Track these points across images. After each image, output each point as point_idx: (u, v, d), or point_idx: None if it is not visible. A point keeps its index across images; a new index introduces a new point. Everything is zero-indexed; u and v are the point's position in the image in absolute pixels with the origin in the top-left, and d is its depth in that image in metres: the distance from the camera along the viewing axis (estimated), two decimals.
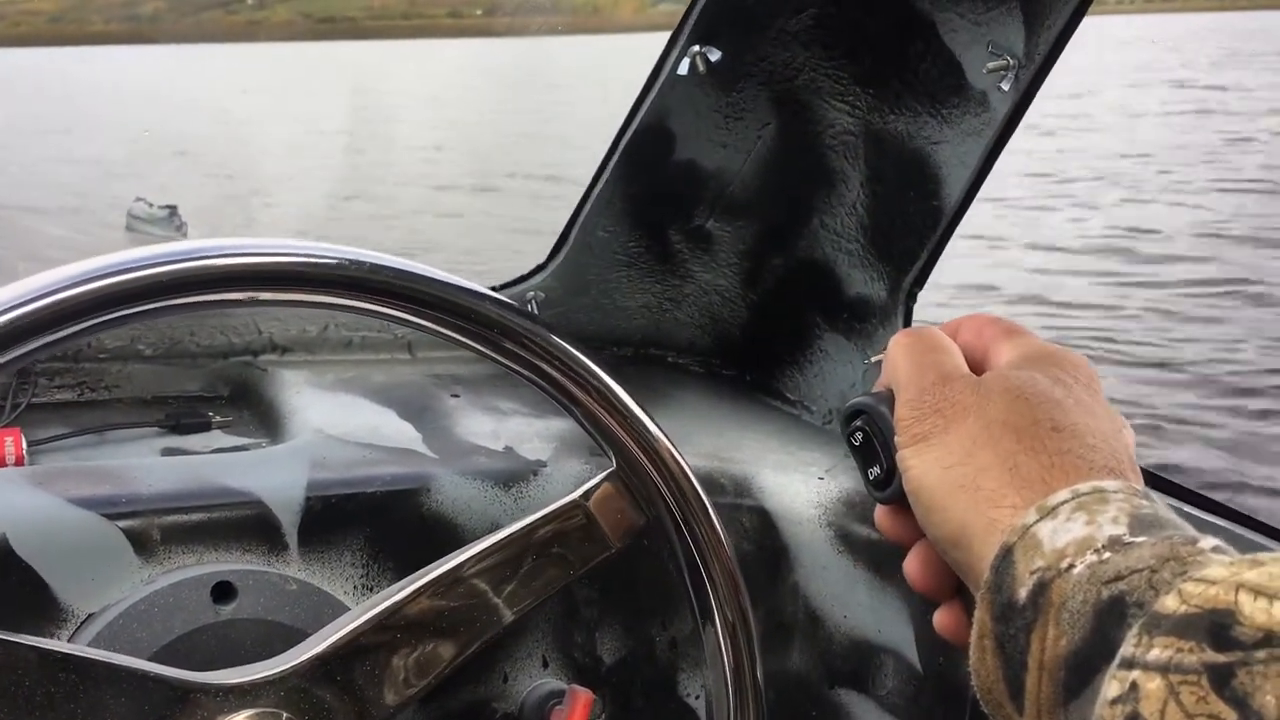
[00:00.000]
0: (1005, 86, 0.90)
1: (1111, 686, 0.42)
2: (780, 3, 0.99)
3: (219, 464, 0.96)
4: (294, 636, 0.80)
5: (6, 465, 0.94)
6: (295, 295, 0.65)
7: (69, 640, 0.82)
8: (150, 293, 0.59)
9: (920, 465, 0.57)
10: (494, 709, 0.99)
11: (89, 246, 2.81)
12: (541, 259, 1.28)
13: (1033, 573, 0.47)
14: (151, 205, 3.19)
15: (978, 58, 0.92)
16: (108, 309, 0.58)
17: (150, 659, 0.75)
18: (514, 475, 0.99)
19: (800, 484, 1.06)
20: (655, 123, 1.11)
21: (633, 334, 1.33)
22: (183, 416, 1.12)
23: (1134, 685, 0.41)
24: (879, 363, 1.13)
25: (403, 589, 0.72)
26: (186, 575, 0.83)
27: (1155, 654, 0.41)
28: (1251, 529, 0.83)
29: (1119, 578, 0.45)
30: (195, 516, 0.88)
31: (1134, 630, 0.42)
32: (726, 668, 0.78)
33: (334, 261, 0.66)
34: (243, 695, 0.70)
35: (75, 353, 1.15)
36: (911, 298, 1.07)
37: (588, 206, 1.20)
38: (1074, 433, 0.53)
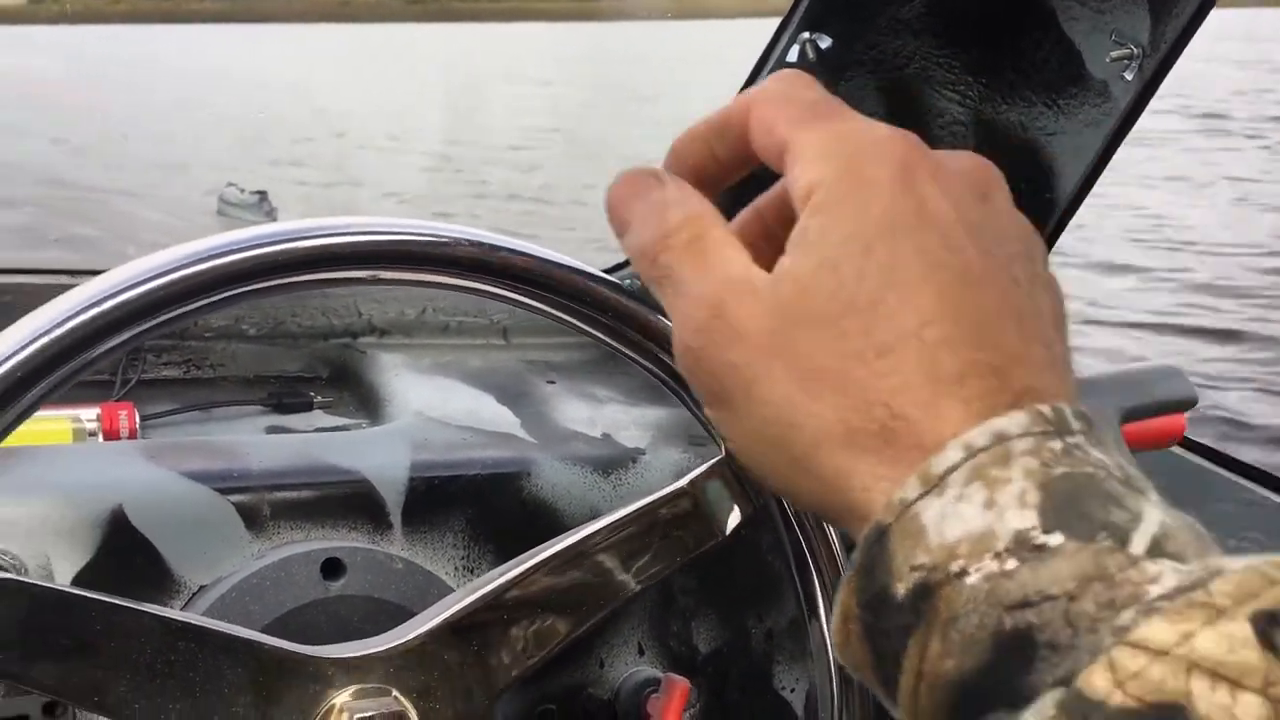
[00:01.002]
0: (1128, 76, 0.88)
1: None
2: None
3: (324, 443, 0.97)
4: (400, 614, 0.81)
5: (120, 439, 0.96)
6: (419, 275, 0.65)
7: (182, 611, 0.84)
8: (281, 268, 0.60)
9: (731, 434, 0.42)
10: (589, 694, 0.99)
11: (184, 230, 2.88)
12: None
13: (914, 569, 0.36)
14: (242, 190, 3.25)
15: (1099, 46, 0.90)
16: (241, 283, 0.59)
17: (262, 631, 0.76)
18: (613, 462, 0.99)
19: None
20: None
21: None
22: (285, 396, 1.14)
23: None
24: None
25: (514, 568, 0.72)
26: (297, 551, 0.84)
27: None
28: None
29: (1027, 603, 0.34)
30: (303, 493, 0.89)
31: (1050, 709, 0.32)
32: (832, 662, 0.77)
33: (453, 240, 0.66)
34: (352, 670, 0.71)
35: (182, 331, 1.17)
36: None
37: None
38: (913, 346, 0.38)
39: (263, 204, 3.08)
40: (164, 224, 2.89)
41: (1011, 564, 0.34)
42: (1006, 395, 0.37)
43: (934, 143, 1.11)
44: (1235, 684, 0.30)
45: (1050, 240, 1.01)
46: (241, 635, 0.69)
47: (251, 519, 0.87)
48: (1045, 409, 0.37)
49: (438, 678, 0.73)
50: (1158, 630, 0.31)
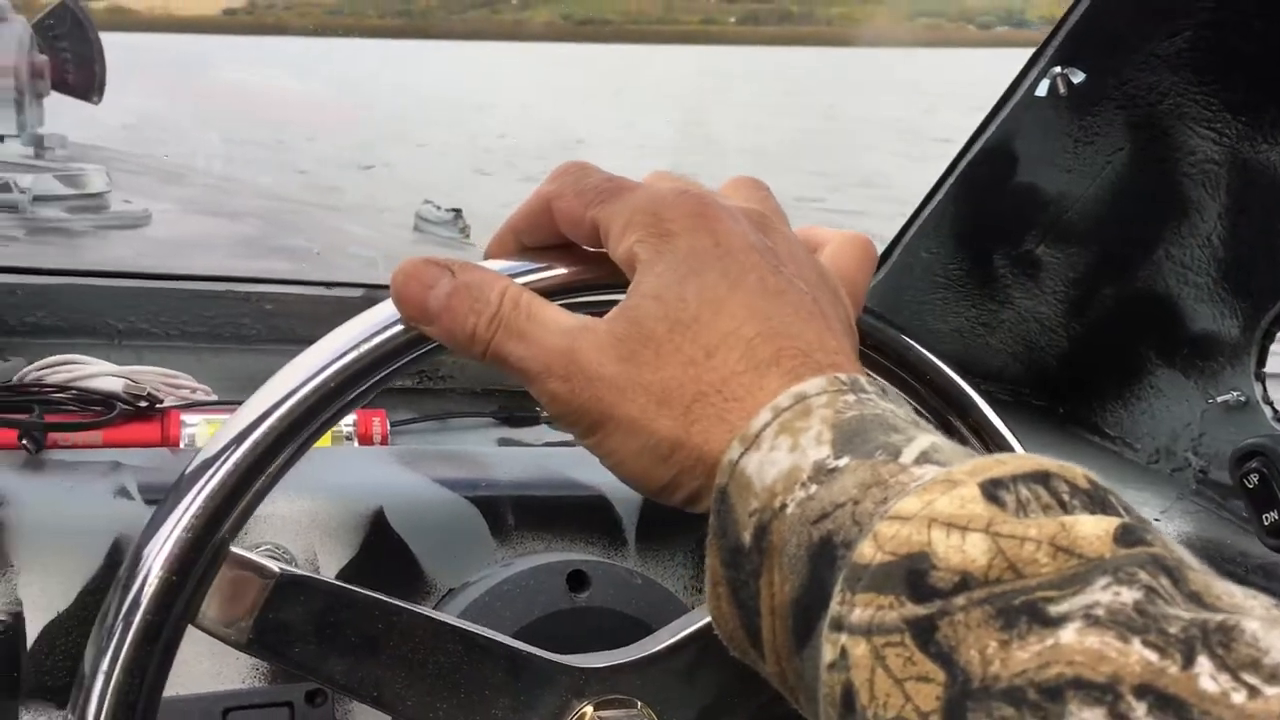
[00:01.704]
0: None
1: (826, 650, 0.38)
2: (1153, 25, 0.96)
3: (561, 457, 1.00)
4: (639, 629, 0.83)
5: (373, 444, 1.01)
6: None
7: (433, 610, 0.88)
8: (580, 288, 0.61)
9: (607, 455, 0.49)
10: None
11: (386, 244, 3.00)
12: None
13: (751, 515, 0.43)
14: (439, 208, 3.38)
15: None
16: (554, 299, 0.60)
17: (512, 637, 0.79)
18: None
19: None
20: (999, 145, 1.09)
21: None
22: (514, 409, 1.18)
23: (844, 651, 0.37)
24: (1225, 403, 1.08)
25: None
26: (544, 561, 0.87)
27: (858, 614, 0.37)
28: None
29: (825, 515, 0.40)
30: (544, 505, 0.92)
31: (838, 584, 0.38)
32: None
33: None
34: (601, 680, 0.73)
35: None
36: (1269, 337, 1.02)
37: (914, 227, 1.20)
38: (734, 343, 0.46)
39: (457, 221, 3.19)
40: (368, 237, 3.03)
41: (813, 488, 0.41)
42: (812, 368, 0.45)
43: (1183, 181, 1.09)
44: (964, 529, 0.36)
45: None
46: (503, 641, 0.72)
47: (496, 527, 0.90)
48: (842, 375, 0.45)
49: (683, 692, 0.74)
50: (908, 504, 0.38)
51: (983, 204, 1.16)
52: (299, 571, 0.62)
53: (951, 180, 1.14)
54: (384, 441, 1.02)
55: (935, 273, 1.24)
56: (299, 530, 0.85)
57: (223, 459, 0.55)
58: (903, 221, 1.22)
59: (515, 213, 0.55)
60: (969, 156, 1.11)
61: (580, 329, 0.49)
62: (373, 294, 1.18)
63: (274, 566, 0.60)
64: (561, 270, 0.56)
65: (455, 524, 0.89)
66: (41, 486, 0.82)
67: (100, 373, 0.95)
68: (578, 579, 0.86)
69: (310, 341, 1.15)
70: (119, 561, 0.80)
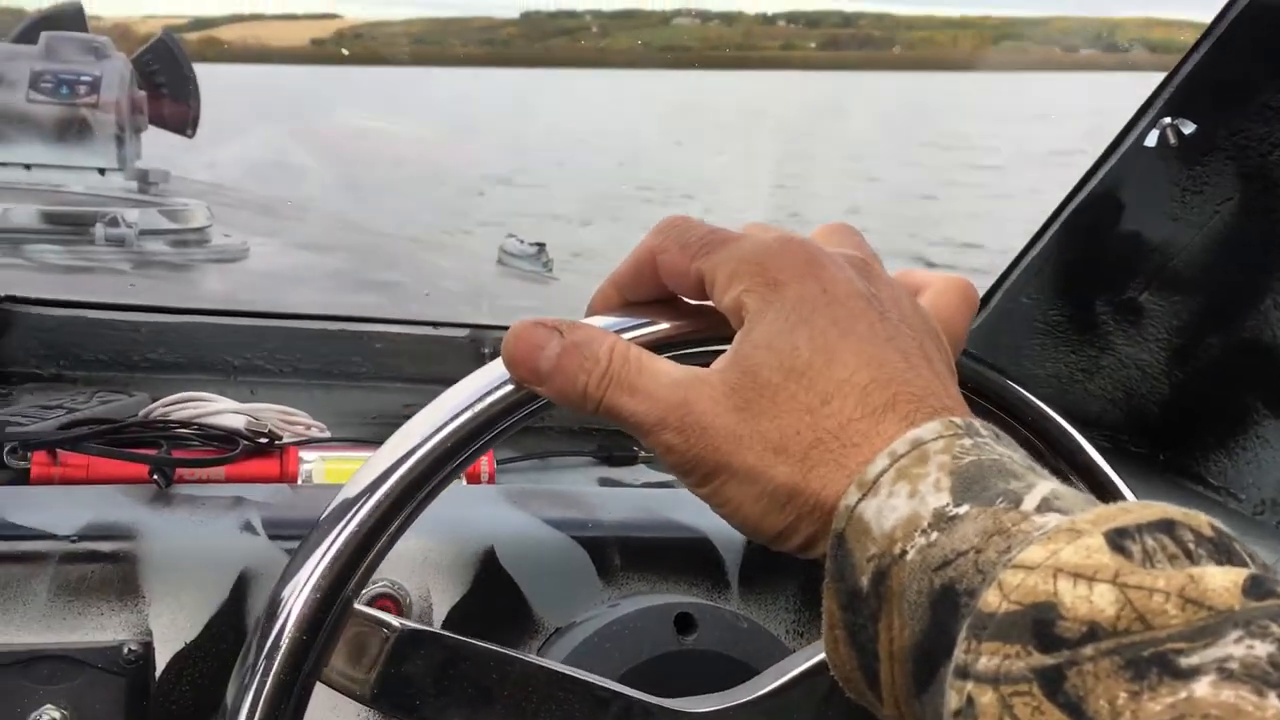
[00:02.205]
0: None
1: (951, 698, 0.38)
2: (1266, 77, 0.95)
3: (663, 498, 1.01)
4: (743, 672, 0.83)
5: (480, 482, 1.04)
6: None
7: (539, 651, 0.89)
8: (689, 342, 0.63)
9: (721, 503, 0.50)
10: None
11: (472, 276, 3.05)
12: None
13: (869, 560, 0.43)
14: (522, 242, 3.41)
15: None
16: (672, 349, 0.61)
17: (619, 679, 0.80)
18: None
19: None
20: (1105, 193, 1.09)
21: None
22: (613, 449, 1.20)
23: (970, 699, 0.37)
24: None
25: None
26: (651, 603, 0.88)
27: (984, 663, 0.37)
28: None
29: (947, 563, 0.41)
30: (649, 546, 0.94)
31: (963, 632, 0.38)
32: None
33: None
34: None
35: None
36: None
37: (1015, 273, 1.20)
38: (849, 390, 0.46)
39: (540, 255, 3.22)
40: (453, 270, 3.09)
41: (934, 535, 0.42)
42: (927, 412, 0.46)
43: None
44: (1091, 579, 0.36)
45: None
46: (614, 688, 0.73)
47: (603, 567, 0.92)
48: (956, 419, 0.45)
49: None
50: (1033, 553, 0.38)
51: (1086, 251, 1.16)
52: (416, 625, 0.63)
53: (1055, 227, 1.14)
54: (491, 480, 1.04)
55: (1035, 318, 1.24)
56: (414, 568, 0.88)
57: (349, 517, 0.57)
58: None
59: (618, 268, 0.56)
60: (1074, 204, 1.11)
61: (692, 380, 0.49)
62: (478, 334, 1.20)
63: (394, 621, 0.61)
64: (666, 324, 0.57)
65: (563, 564, 0.91)
66: (171, 520, 0.86)
67: (223, 410, 0.98)
68: (685, 621, 0.87)
69: (417, 380, 1.17)
70: (245, 594, 0.83)
